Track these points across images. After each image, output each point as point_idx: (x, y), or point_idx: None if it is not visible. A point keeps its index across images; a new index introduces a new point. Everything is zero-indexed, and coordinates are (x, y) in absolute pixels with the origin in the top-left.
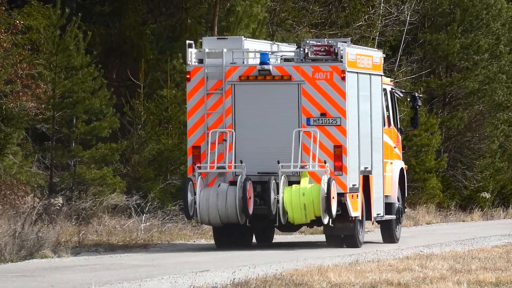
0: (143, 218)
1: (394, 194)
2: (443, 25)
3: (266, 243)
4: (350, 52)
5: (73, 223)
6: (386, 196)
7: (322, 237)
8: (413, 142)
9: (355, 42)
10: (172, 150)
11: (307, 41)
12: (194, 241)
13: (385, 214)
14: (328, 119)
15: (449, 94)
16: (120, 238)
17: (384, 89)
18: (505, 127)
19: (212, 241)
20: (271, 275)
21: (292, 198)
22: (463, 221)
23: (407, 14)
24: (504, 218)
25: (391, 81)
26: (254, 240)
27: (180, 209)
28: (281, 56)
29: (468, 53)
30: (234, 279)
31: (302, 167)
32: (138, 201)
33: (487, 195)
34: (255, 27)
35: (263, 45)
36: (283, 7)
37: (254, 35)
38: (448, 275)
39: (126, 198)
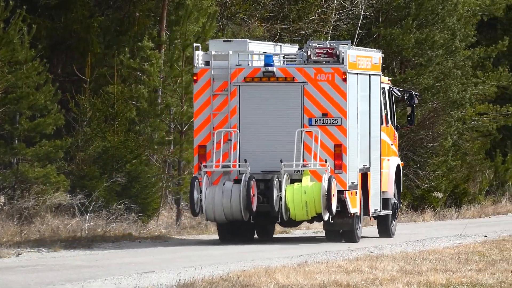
0: (87, 218)
1: (390, 190)
2: (398, 20)
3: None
4: (351, 54)
5: (15, 223)
6: (383, 192)
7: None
8: None
9: (307, 36)
10: (118, 147)
11: (310, 44)
12: (140, 241)
13: (382, 210)
14: (330, 119)
15: None
16: (63, 238)
17: (382, 88)
18: (459, 125)
19: (157, 241)
20: (217, 276)
21: (294, 196)
22: (415, 221)
23: (361, 8)
24: (456, 219)
25: (388, 79)
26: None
27: (125, 208)
28: (284, 57)
29: (423, 48)
30: (179, 280)
31: (304, 165)
32: (82, 200)
33: (440, 195)
34: (205, 21)
35: (267, 47)
36: (234, 1)
37: (204, 30)
38: (398, 277)
39: (70, 197)
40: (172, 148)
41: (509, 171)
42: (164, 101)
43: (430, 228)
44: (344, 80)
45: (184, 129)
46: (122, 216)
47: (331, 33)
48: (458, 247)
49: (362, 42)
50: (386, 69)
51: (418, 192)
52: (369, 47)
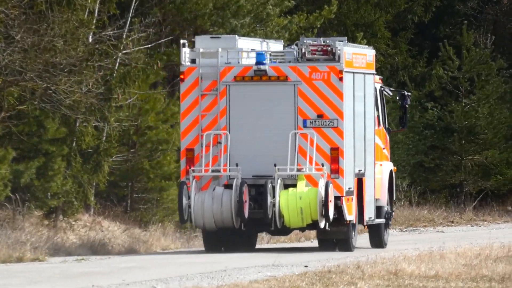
0: None
1: (384, 197)
2: None
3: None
4: (347, 51)
5: None
6: (376, 200)
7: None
8: (147, 137)
9: None
10: None
11: (304, 41)
12: None
13: (375, 218)
14: (325, 121)
15: None
16: None
17: (374, 88)
18: None
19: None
20: None
21: (288, 202)
22: None
23: None
24: (268, 243)
25: (380, 79)
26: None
27: None
28: (270, 54)
29: (224, 15)
30: None
31: (298, 170)
32: None
33: None
34: None
35: (255, 43)
36: None
37: None
38: None
39: None
40: None
41: None
42: None
43: (233, 255)
44: (341, 79)
45: None
46: None
47: None
48: (269, 280)
49: (143, 7)
50: (176, 42)
51: None
52: (152, 13)
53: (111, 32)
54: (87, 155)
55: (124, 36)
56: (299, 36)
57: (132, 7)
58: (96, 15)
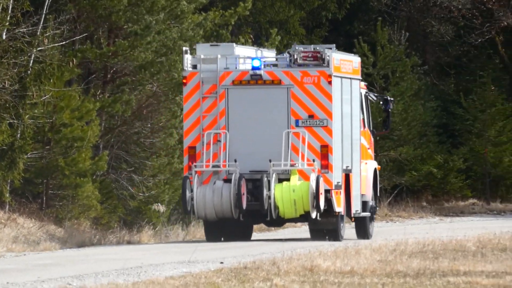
0: None
1: (369, 193)
2: None
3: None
4: (336, 57)
5: None
6: (362, 195)
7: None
8: (62, 134)
9: None
10: None
11: (296, 48)
12: None
13: (361, 212)
14: (316, 121)
15: (111, 69)
16: None
17: (360, 92)
18: None
19: None
20: None
21: (283, 194)
22: (129, 242)
23: None
24: (184, 240)
25: (365, 85)
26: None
27: None
28: (264, 60)
29: (139, 12)
30: None
31: (291, 165)
32: None
33: (162, 208)
34: None
35: (250, 51)
36: None
37: None
38: None
39: None
40: None
41: None
42: None
43: (149, 251)
44: (330, 82)
45: None
46: None
47: None
48: (185, 277)
49: (57, 3)
50: (90, 39)
51: (133, 204)
52: (67, 10)
53: (25, 29)
54: (1, 152)
55: (38, 33)
56: (213, 33)
57: (46, 4)
58: (10, 12)
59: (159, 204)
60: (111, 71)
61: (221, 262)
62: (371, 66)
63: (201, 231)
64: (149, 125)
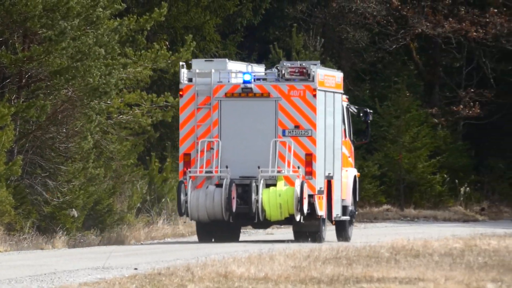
0: None
1: (349, 198)
2: None
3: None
4: (320, 73)
5: None
6: (342, 200)
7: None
8: None
9: None
10: None
11: (283, 64)
12: None
13: (342, 215)
14: (301, 131)
15: (26, 74)
16: None
17: (342, 105)
18: (102, 120)
19: None
20: None
21: (270, 198)
22: (42, 248)
23: None
24: (98, 245)
25: (346, 98)
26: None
27: None
28: (254, 75)
29: (54, 17)
30: None
31: (278, 172)
32: None
33: (75, 213)
34: None
35: (241, 66)
36: None
37: None
38: None
39: None
40: None
41: (168, 182)
42: None
43: (62, 257)
44: (314, 96)
45: None
46: None
47: None
48: (99, 283)
49: None
50: (5, 44)
51: (46, 209)
52: None
53: None
54: None
55: None
56: (129, 38)
57: None
58: None
59: (73, 209)
60: (26, 76)
61: (135, 268)
62: None
63: (115, 236)
64: (64, 130)
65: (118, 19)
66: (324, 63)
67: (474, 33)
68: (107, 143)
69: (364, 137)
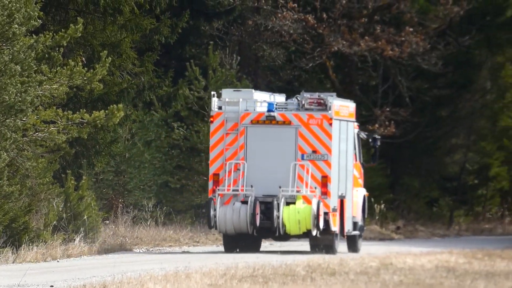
0: None
1: (358, 215)
2: None
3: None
4: (336, 103)
5: None
6: (353, 217)
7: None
8: None
9: None
10: None
11: (303, 95)
12: None
13: (352, 230)
14: (318, 155)
15: None
16: None
17: (354, 132)
18: (18, 137)
19: None
20: None
21: (289, 215)
22: None
23: None
24: (14, 263)
25: (357, 125)
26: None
27: None
28: (276, 103)
29: None
30: None
31: (297, 191)
32: None
33: None
34: None
35: (265, 96)
36: None
37: None
38: None
39: None
40: None
41: (85, 200)
42: None
43: None
44: (331, 124)
45: None
46: None
47: None
48: None
49: None
50: None
51: None
52: None
53: None
54: None
55: None
56: (45, 55)
57: None
58: None
59: None
60: None
61: (52, 286)
62: (202, 90)
63: (32, 253)
64: None
65: (34, 35)
66: (240, 81)
67: (390, 52)
68: (23, 160)
69: (373, 160)
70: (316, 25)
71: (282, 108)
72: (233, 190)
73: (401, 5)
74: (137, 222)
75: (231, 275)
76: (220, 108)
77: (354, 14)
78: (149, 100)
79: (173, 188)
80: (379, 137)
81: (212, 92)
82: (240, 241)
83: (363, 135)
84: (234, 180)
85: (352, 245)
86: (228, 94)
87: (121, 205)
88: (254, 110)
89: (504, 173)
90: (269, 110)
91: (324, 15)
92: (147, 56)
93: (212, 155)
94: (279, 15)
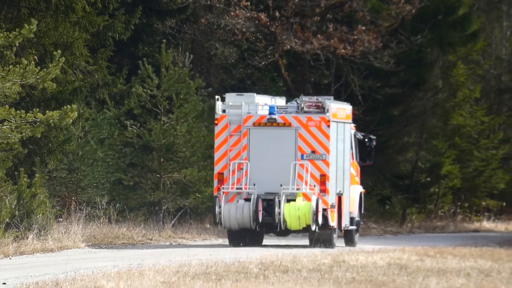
0: None
1: (355, 211)
2: None
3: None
4: (333, 106)
5: None
6: (350, 212)
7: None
8: None
9: None
10: None
11: (302, 98)
12: None
13: (349, 225)
14: (317, 155)
15: None
16: None
17: (350, 133)
18: None
19: None
20: None
21: (290, 212)
22: None
23: None
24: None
25: (354, 126)
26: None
27: None
28: (277, 107)
29: None
30: None
31: (297, 189)
32: None
33: None
34: None
35: (266, 99)
36: None
37: None
38: None
39: None
40: None
41: (38, 197)
42: None
43: None
44: (328, 126)
45: None
46: None
47: None
48: None
49: None
50: None
51: None
52: None
53: None
54: None
55: None
56: None
57: None
58: None
59: None
60: None
61: (4, 283)
62: (155, 88)
63: None
64: None
65: None
66: (193, 79)
67: (343, 50)
68: None
69: (369, 159)
70: (268, 24)
71: (282, 111)
72: (236, 188)
73: (354, 3)
74: (90, 219)
75: (184, 272)
76: (224, 111)
77: (307, 12)
78: (102, 98)
79: (126, 185)
80: (374, 137)
81: (216, 96)
82: (243, 236)
83: (359, 135)
84: (238, 179)
85: (349, 239)
86: (231, 98)
87: (74, 203)
88: (256, 113)
89: (456, 171)
90: (270, 113)
91: (277, 13)
92: (100, 53)
93: (216, 155)
94: (232, 13)
